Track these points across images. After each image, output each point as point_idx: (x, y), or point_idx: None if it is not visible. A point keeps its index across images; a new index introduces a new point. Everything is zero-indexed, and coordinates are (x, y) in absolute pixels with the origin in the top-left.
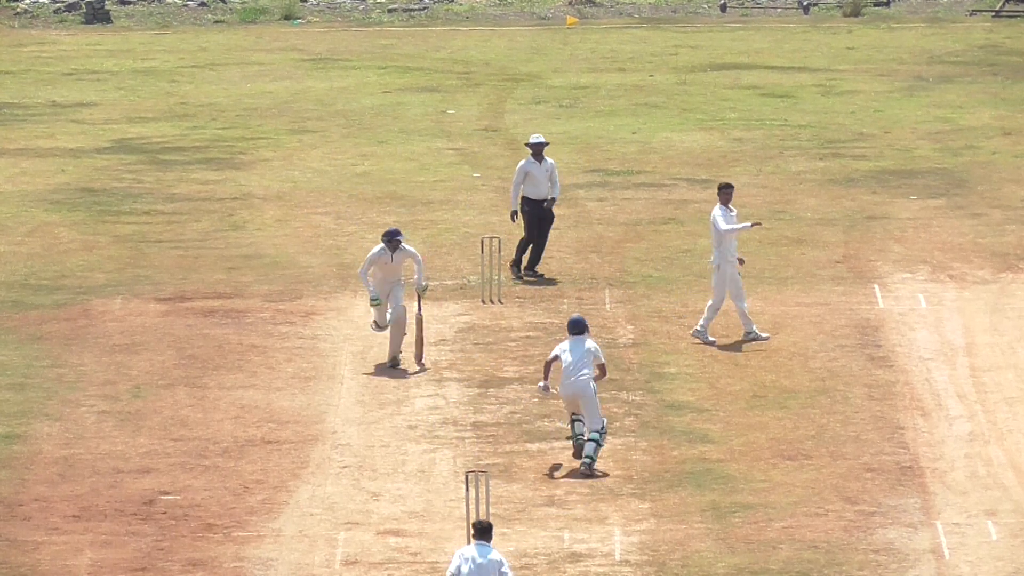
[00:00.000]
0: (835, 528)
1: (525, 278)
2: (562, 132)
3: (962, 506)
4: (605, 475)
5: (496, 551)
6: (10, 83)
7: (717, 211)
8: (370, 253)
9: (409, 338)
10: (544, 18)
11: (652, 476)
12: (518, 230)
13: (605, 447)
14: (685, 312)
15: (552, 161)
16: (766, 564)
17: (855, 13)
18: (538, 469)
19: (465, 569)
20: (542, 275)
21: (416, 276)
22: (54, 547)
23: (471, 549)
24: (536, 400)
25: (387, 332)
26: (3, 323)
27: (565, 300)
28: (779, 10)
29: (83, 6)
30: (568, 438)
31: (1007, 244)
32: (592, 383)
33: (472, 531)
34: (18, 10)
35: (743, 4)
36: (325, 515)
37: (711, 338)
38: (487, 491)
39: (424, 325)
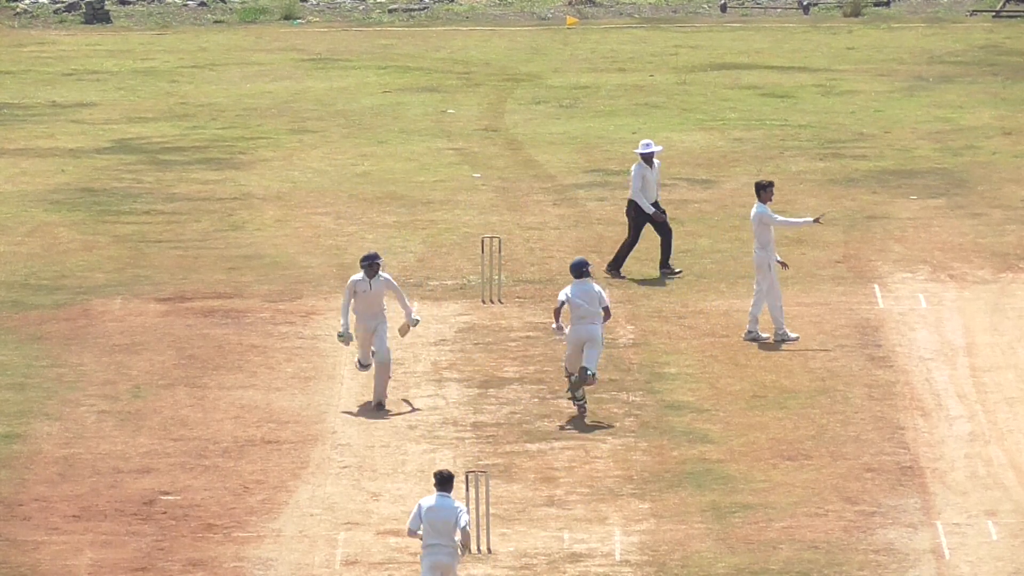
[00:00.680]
0: (835, 528)
1: (613, 277)
2: (562, 132)
3: (962, 506)
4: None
5: (456, 500)
6: (10, 83)
7: (763, 208)
8: (349, 281)
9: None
10: (544, 18)
11: (652, 476)
12: (519, 230)
13: (605, 447)
14: (685, 312)
15: (658, 163)
16: (766, 564)
17: (855, 13)
18: (538, 469)
19: (428, 521)
20: (623, 276)
21: (403, 310)
22: (54, 547)
23: (431, 499)
24: (536, 400)
25: (372, 371)
26: (3, 323)
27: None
28: (779, 10)
29: (83, 6)
30: (569, 399)
31: (1007, 244)
32: (600, 328)
33: (434, 481)
34: (18, 10)
35: (743, 4)
36: (325, 515)
37: (793, 334)
38: (487, 491)
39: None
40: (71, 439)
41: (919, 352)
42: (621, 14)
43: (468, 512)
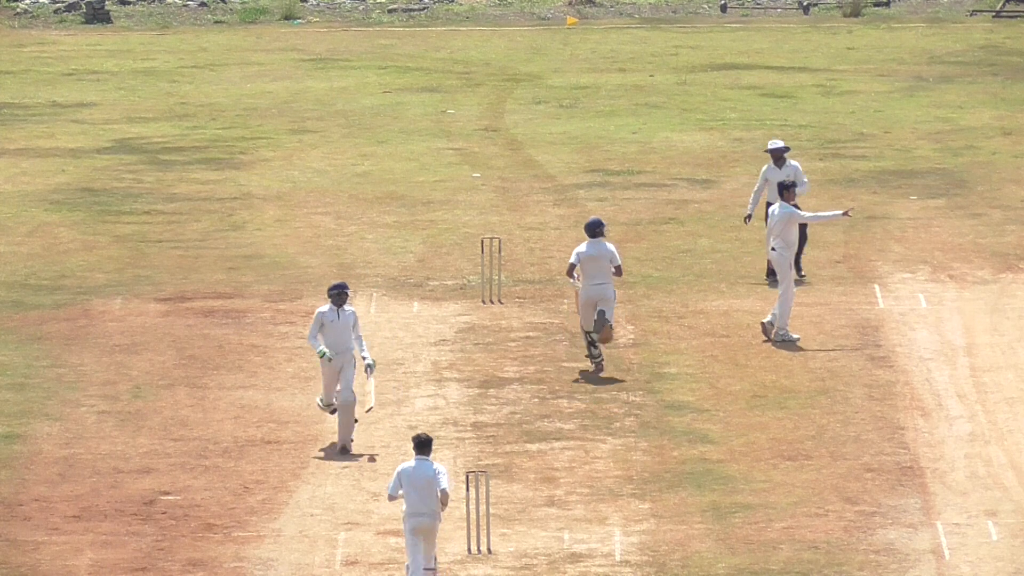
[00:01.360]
0: (835, 528)
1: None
2: (562, 132)
3: (962, 506)
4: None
5: (435, 463)
6: (10, 83)
7: (789, 208)
8: (316, 312)
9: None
10: (544, 18)
11: (652, 476)
12: (519, 230)
13: (605, 447)
14: (685, 312)
15: (795, 164)
16: (766, 564)
17: (855, 13)
18: (538, 469)
19: (407, 485)
20: (803, 276)
21: (359, 352)
22: (54, 547)
23: (410, 463)
24: (536, 400)
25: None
26: (3, 323)
27: (565, 300)
28: (779, 10)
29: (83, 6)
30: (586, 356)
31: (1007, 244)
32: (611, 287)
33: (412, 445)
34: (18, 10)
35: (743, 4)
36: (325, 515)
37: (794, 335)
38: (487, 491)
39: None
40: (71, 439)
41: (919, 352)
42: (621, 14)
43: (447, 473)
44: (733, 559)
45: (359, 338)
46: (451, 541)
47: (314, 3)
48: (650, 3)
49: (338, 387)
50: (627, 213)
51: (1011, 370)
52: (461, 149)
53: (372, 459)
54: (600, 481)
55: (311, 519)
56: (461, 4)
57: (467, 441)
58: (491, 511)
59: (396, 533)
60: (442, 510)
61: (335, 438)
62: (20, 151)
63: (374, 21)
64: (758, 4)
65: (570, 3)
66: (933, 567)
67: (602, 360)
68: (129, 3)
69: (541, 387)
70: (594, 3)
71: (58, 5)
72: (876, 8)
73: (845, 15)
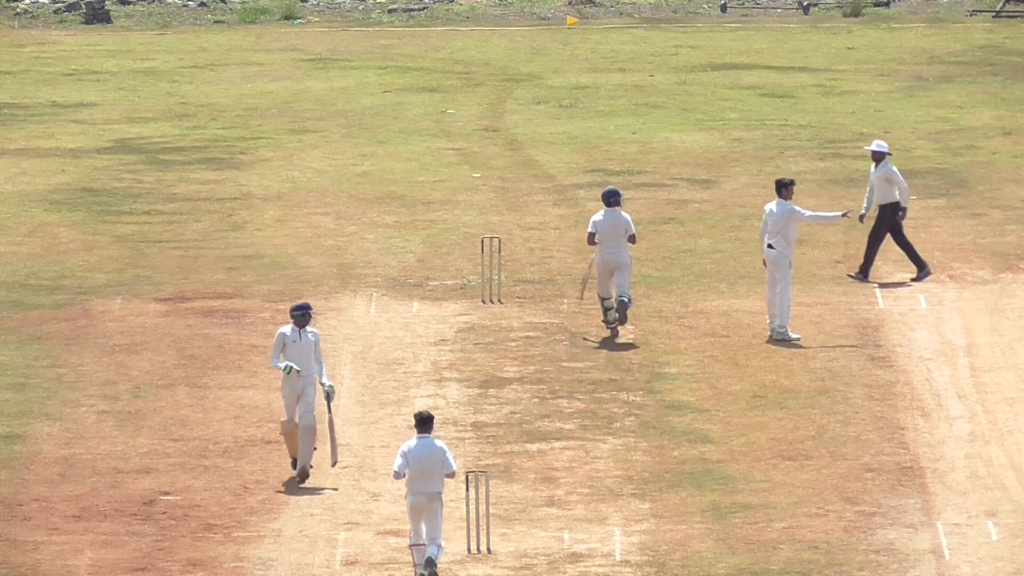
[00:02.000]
0: (835, 528)
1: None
2: (562, 132)
3: (962, 506)
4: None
5: (438, 441)
6: (10, 83)
7: (790, 206)
8: (278, 332)
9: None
10: (544, 18)
11: (652, 476)
12: (519, 230)
13: (605, 447)
14: (685, 312)
15: (892, 168)
16: (766, 564)
17: (855, 13)
18: (538, 469)
19: (411, 463)
20: (863, 278)
21: (320, 376)
22: (54, 547)
23: (412, 442)
24: (536, 400)
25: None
26: (3, 323)
27: (565, 300)
28: (779, 10)
29: (83, 6)
30: (603, 321)
31: (1007, 244)
32: (627, 254)
33: (414, 423)
34: (18, 10)
35: (743, 4)
36: (325, 515)
37: (794, 335)
38: (487, 491)
39: (336, 427)
40: (71, 439)
41: (919, 352)
42: (621, 14)
43: (450, 453)
44: (733, 559)
45: (320, 362)
46: (451, 541)
47: (314, 3)
48: (650, 3)
49: (299, 410)
50: (627, 213)
51: (1011, 370)
52: (461, 149)
53: (335, 488)
54: (600, 481)
55: (311, 519)
56: (461, 4)
57: (467, 441)
58: (491, 511)
59: (396, 533)
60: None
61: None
62: (20, 151)
63: (374, 21)
64: (758, 4)
65: (570, 3)
66: (933, 567)
67: (617, 327)
68: (129, 3)
69: (541, 387)
70: (594, 3)
71: (58, 5)
72: (876, 8)
73: (845, 15)
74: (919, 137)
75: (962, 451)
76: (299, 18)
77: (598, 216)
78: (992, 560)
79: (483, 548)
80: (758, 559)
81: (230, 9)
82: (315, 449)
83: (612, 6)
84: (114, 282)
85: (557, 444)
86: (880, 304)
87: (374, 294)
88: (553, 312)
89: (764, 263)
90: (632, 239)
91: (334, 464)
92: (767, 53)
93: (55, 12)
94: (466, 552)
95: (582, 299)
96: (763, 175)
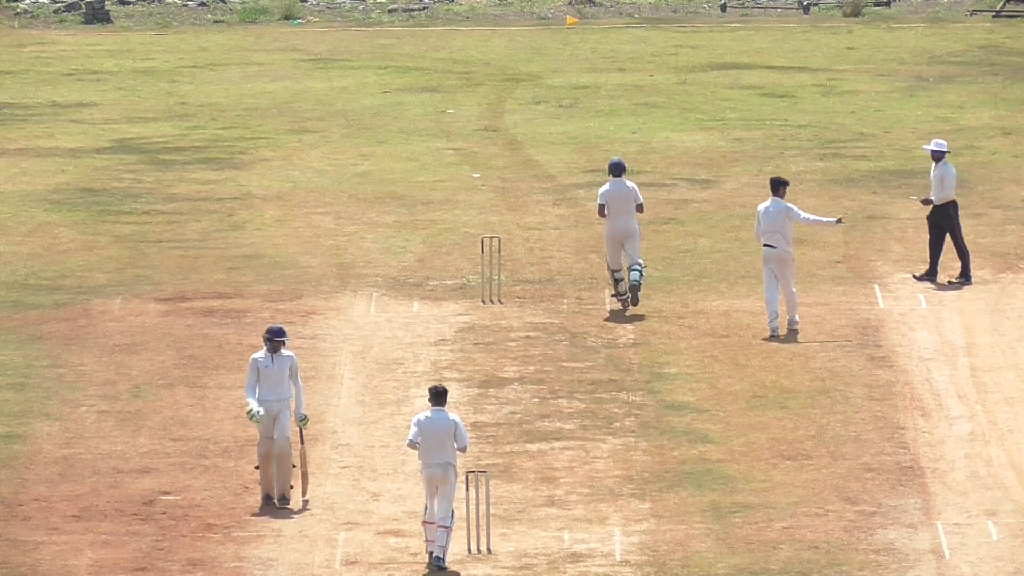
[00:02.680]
0: (835, 528)
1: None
2: (562, 132)
3: (962, 506)
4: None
5: (450, 413)
6: (10, 83)
7: (787, 203)
8: (251, 359)
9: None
10: (544, 18)
11: (652, 476)
12: (519, 230)
13: (605, 447)
14: (685, 312)
15: (949, 166)
16: (766, 564)
17: (855, 13)
18: (538, 469)
19: (423, 433)
20: (928, 280)
21: (295, 400)
22: (54, 547)
23: (426, 413)
24: (536, 400)
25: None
26: (3, 323)
27: (565, 300)
28: (779, 10)
29: (83, 6)
30: (612, 295)
31: (1007, 244)
32: (635, 222)
33: (428, 396)
34: (18, 10)
35: (743, 4)
36: (325, 515)
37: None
38: (487, 491)
39: (308, 460)
40: (71, 439)
41: (919, 352)
42: (621, 14)
43: (462, 425)
44: (733, 559)
45: (298, 387)
46: (451, 541)
47: (314, 3)
48: (650, 3)
49: (274, 435)
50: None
51: (1011, 370)
52: (461, 149)
53: (306, 505)
54: (600, 481)
55: (311, 519)
56: (461, 4)
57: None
58: (491, 511)
59: (396, 533)
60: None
61: (335, 438)
62: (20, 151)
63: (374, 21)
64: (758, 4)
65: (570, 3)
66: (933, 567)
67: (628, 298)
68: (129, 3)
69: (541, 387)
70: (594, 3)
71: (58, 5)
72: (876, 8)
73: (845, 15)
74: (919, 137)
75: (962, 451)
76: (299, 18)
77: (605, 187)
78: (992, 560)
79: (483, 548)
80: (758, 559)
81: (230, 9)
82: (294, 466)
83: (612, 6)
84: (114, 282)
85: (557, 444)
86: (880, 304)
87: (374, 294)
88: (553, 312)
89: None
90: (640, 208)
91: (303, 496)
92: (767, 53)
93: (55, 12)
94: (466, 552)
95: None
96: (763, 175)
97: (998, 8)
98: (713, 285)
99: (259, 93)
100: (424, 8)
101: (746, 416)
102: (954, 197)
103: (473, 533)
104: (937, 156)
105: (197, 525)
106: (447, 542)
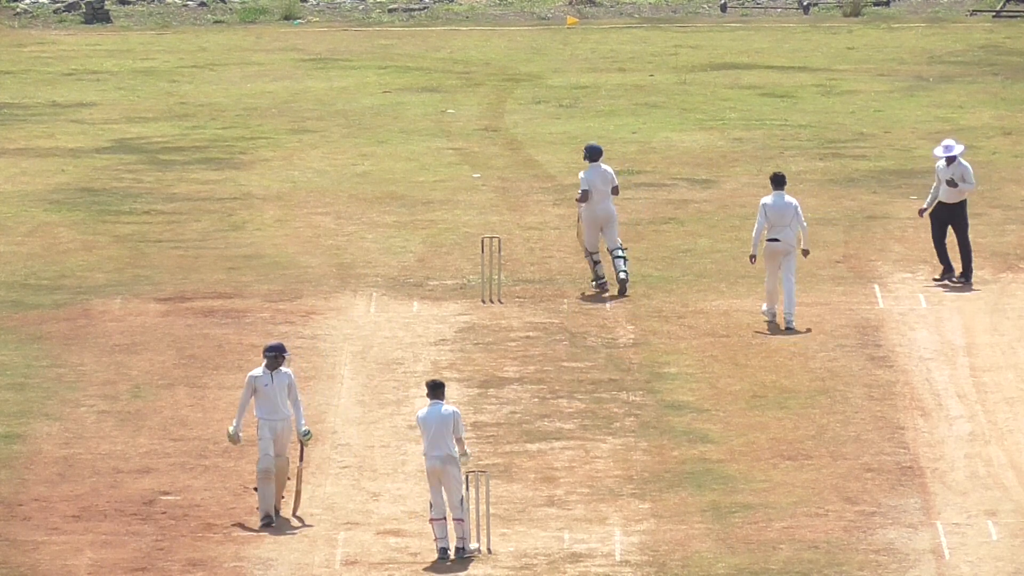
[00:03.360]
0: (835, 528)
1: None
2: (562, 132)
3: (962, 506)
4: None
5: (449, 405)
6: (10, 83)
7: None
8: (248, 376)
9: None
10: (544, 18)
11: (652, 476)
12: (519, 229)
13: (605, 447)
14: (685, 312)
15: (964, 164)
16: (766, 564)
17: (855, 13)
18: (538, 469)
19: (423, 427)
20: (948, 279)
21: (295, 416)
22: (54, 547)
23: (425, 409)
24: (536, 400)
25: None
26: (3, 323)
27: (565, 300)
28: (779, 10)
29: (83, 6)
30: (592, 281)
31: (1007, 244)
32: (613, 205)
33: (426, 391)
34: (18, 10)
35: (743, 4)
36: (325, 515)
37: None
38: (487, 491)
39: (304, 478)
40: (71, 439)
41: (919, 352)
42: (621, 14)
43: (460, 416)
44: (733, 559)
45: (297, 403)
46: (451, 541)
47: (314, 3)
48: (650, 3)
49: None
50: (627, 213)
51: (1011, 370)
52: (461, 149)
53: (300, 522)
54: (600, 481)
55: (311, 519)
56: (461, 4)
57: (467, 441)
58: (491, 511)
59: (396, 533)
60: (461, 455)
61: (335, 438)
62: (20, 151)
63: (374, 21)
64: (758, 4)
65: (570, 3)
66: (933, 567)
67: (606, 282)
68: (129, 3)
69: (541, 387)
70: (594, 3)
71: (58, 5)
72: (876, 8)
73: (845, 15)
74: (919, 137)
75: (962, 451)
76: (299, 18)
77: (586, 173)
78: (992, 560)
79: (483, 548)
80: (758, 559)
81: (230, 9)
82: (289, 479)
83: (612, 6)
84: (114, 282)
85: (557, 444)
86: (880, 304)
87: (374, 294)
88: (553, 312)
89: (752, 258)
90: (615, 191)
91: (294, 513)
92: (767, 53)
93: (55, 12)
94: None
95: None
96: (763, 175)
97: (998, 8)
98: (713, 285)
99: (259, 93)
100: (424, 8)
101: (746, 416)
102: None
103: (473, 533)
104: (951, 159)
105: (197, 525)
106: (464, 532)
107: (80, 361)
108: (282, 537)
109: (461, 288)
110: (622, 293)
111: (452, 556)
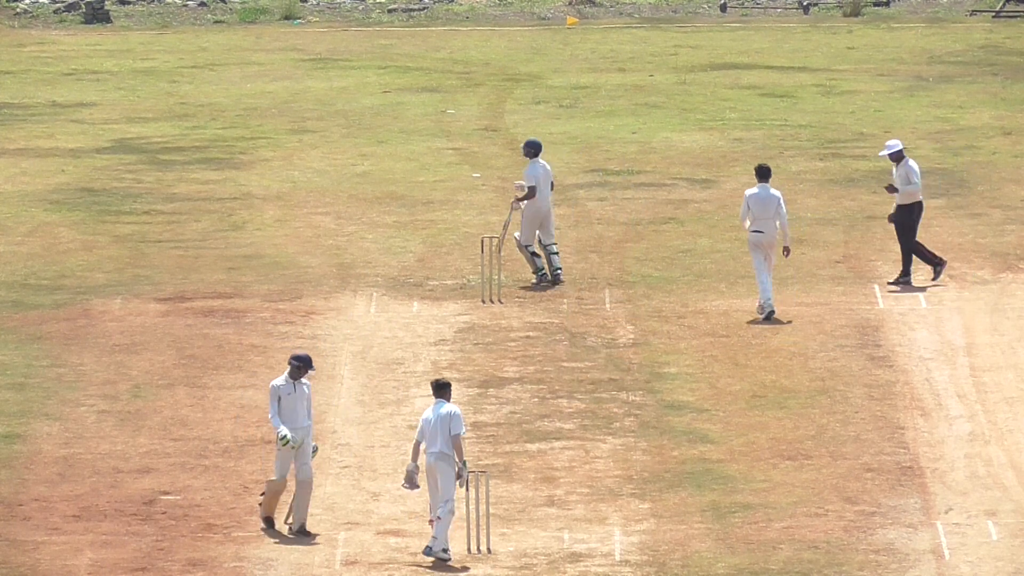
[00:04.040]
0: (835, 528)
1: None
2: (562, 132)
3: (962, 506)
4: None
5: (451, 405)
6: (10, 83)
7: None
8: (271, 386)
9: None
10: (544, 18)
11: (652, 476)
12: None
13: (605, 447)
14: (685, 312)
15: (910, 165)
16: (766, 564)
17: (855, 13)
18: (538, 469)
19: (427, 428)
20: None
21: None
22: (54, 547)
23: (430, 409)
24: (536, 400)
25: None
26: (3, 323)
27: (565, 300)
28: (779, 10)
29: (83, 6)
30: (534, 272)
31: (1007, 244)
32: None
33: (431, 390)
34: (18, 10)
35: (743, 4)
36: (325, 515)
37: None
38: (487, 491)
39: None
40: (71, 439)
41: (919, 352)
42: (621, 14)
43: (460, 414)
44: (733, 559)
45: (309, 417)
46: (451, 541)
47: (314, 3)
48: (650, 3)
49: (296, 464)
50: (627, 213)
51: (1011, 370)
52: (461, 149)
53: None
54: (600, 481)
55: (311, 519)
56: (461, 4)
57: (467, 441)
58: (491, 511)
59: (396, 533)
60: (458, 456)
61: (335, 438)
62: (20, 151)
63: (374, 21)
64: (758, 4)
65: (570, 3)
66: (933, 567)
67: (545, 274)
68: (129, 3)
69: (541, 387)
70: (594, 3)
71: (58, 5)
72: (876, 8)
73: (845, 15)
74: (919, 137)
75: (962, 451)
76: (299, 18)
77: (531, 170)
78: (992, 560)
79: (483, 548)
80: (758, 559)
81: (230, 9)
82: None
83: (612, 6)
84: (114, 282)
85: (557, 444)
86: (880, 304)
87: (374, 294)
88: (553, 312)
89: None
90: (551, 186)
91: (286, 522)
92: (767, 53)
93: (55, 12)
94: (466, 552)
95: (500, 251)
96: None
97: (998, 8)
98: (713, 285)
99: (259, 93)
100: (424, 8)
101: (746, 416)
102: (920, 197)
103: (473, 533)
104: (896, 157)
105: (197, 525)
106: (440, 532)
107: (80, 361)
108: (282, 537)
109: (461, 288)
110: (557, 281)
111: (450, 558)
